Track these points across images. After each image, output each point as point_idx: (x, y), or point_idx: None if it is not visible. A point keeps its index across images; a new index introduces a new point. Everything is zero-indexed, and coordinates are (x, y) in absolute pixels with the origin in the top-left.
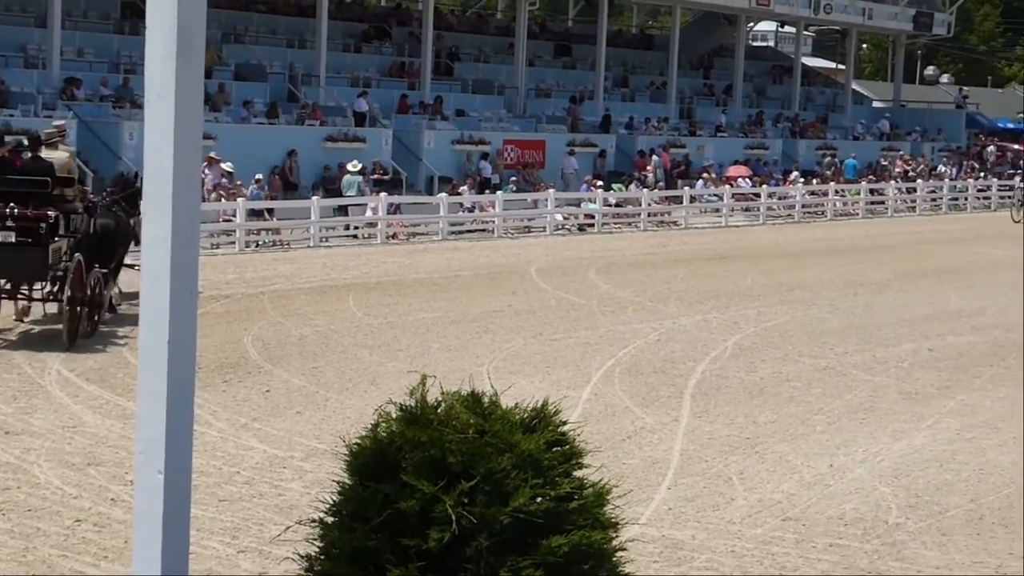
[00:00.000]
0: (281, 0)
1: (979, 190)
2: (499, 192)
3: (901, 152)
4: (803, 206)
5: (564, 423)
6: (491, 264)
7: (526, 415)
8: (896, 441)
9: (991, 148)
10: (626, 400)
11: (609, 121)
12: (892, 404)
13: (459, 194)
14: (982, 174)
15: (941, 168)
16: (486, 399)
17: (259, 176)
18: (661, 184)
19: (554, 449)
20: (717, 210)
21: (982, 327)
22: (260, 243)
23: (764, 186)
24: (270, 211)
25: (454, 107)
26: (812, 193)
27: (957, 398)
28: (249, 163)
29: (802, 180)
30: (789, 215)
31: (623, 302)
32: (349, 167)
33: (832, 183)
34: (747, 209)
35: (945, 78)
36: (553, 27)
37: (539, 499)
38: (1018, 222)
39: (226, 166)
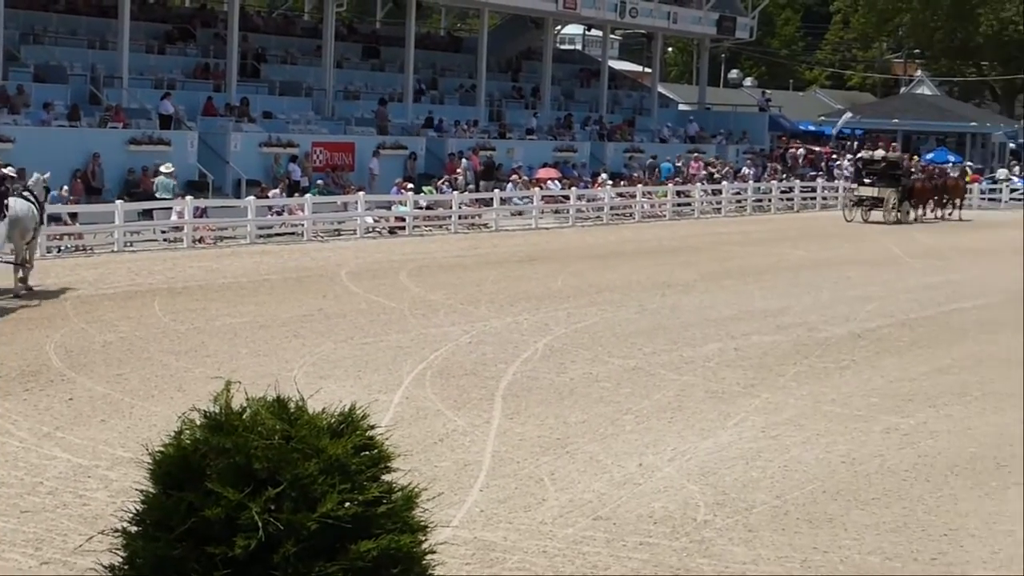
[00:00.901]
0: (81, 0)
1: (782, 192)
2: (308, 195)
3: (696, 154)
4: (611, 208)
5: (372, 427)
6: (300, 268)
7: (333, 420)
8: (703, 439)
9: (801, 151)
10: (438, 403)
11: (432, 123)
12: (699, 403)
13: (267, 197)
14: (785, 176)
15: (745, 170)
16: (292, 404)
17: (58, 188)
18: (471, 187)
19: (362, 453)
20: (521, 212)
21: (786, 326)
22: (62, 249)
23: (573, 188)
24: (72, 216)
25: (261, 109)
26: (620, 195)
27: (762, 396)
28: (49, 167)
29: (610, 182)
30: (598, 217)
31: (434, 305)
32: (163, 169)
33: (639, 185)
34: (557, 211)
35: (748, 81)
36: (361, 29)
37: (347, 504)
38: (850, 221)
39: (7, 170)
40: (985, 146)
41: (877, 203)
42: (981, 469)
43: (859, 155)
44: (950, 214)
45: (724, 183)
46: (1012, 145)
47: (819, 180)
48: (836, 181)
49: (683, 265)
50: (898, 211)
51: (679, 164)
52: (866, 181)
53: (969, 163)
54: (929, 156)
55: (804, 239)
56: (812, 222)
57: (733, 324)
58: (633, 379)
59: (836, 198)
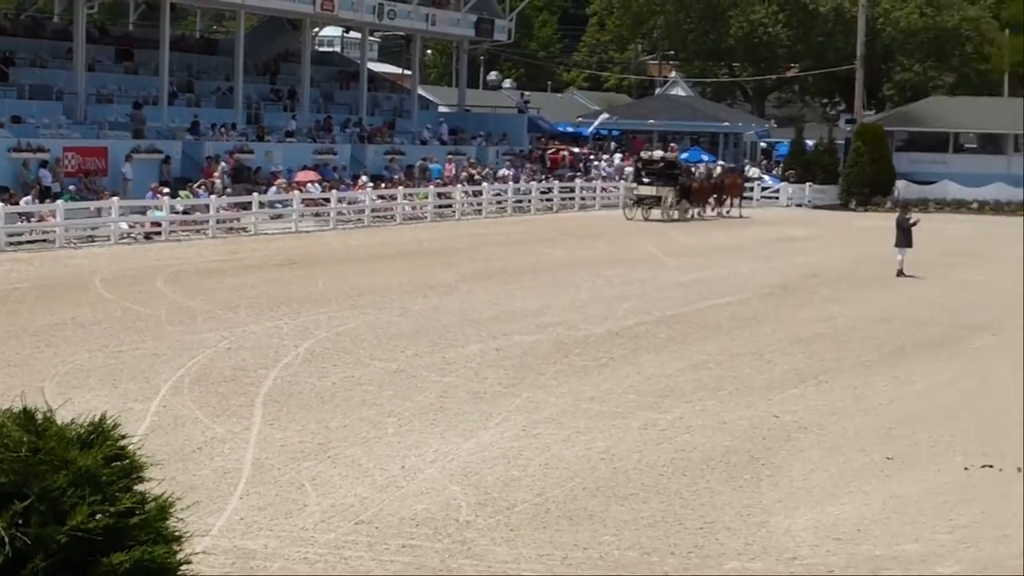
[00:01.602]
0: None
1: (542, 192)
2: (59, 201)
3: (449, 156)
4: (372, 210)
5: (124, 437)
6: (53, 275)
7: (83, 430)
8: (466, 440)
9: (564, 153)
10: (196, 411)
11: (199, 127)
12: (461, 404)
13: (17, 204)
14: (544, 176)
15: (504, 171)
16: (40, 416)
17: None
18: (229, 190)
19: (113, 464)
20: (280, 216)
21: (546, 326)
22: None
23: (334, 191)
24: None
25: (10, 113)
26: (381, 197)
27: (523, 395)
28: None
29: (371, 184)
30: (359, 220)
31: (192, 311)
32: None
33: (401, 187)
34: (317, 214)
35: (507, 83)
36: (114, 31)
37: (98, 516)
38: (631, 219)
39: None
40: (737, 145)
41: (656, 202)
42: (735, 462)
43: (639, 155)
44: (728, 211)
45: (484, 184)
46: (763, 144)
47: (577, 180)
48: (594, 181)
49: (445, 267)
50: (676, 209)
51: (430, 164)
52: (645, 181)
53: (721, 162)
54: (684, 156)
55: (563, 238)
56: (586, 222)
57: (494, 324)
58: (395, 382)
59: (594, 199)
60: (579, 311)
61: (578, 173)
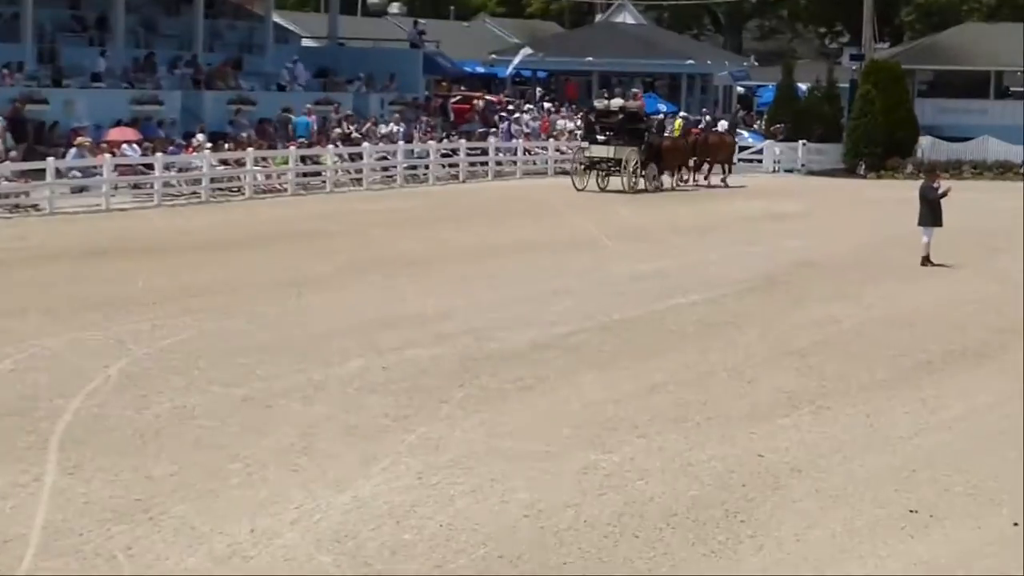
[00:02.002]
0: None
1: (443, 155)
2: None
3: (314, 106)
4: (212, 181)
5: None
6: None
7: None
8: (339, 492)
9: (478, 103)
10: None
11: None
12: (334, 443)
13: None
14: (447, 135)
15: (392, 127)
16: None
17: None
18: (13, 154)
19: None
20: (85, 189)
21: (450, 335)
22: None
23: (159, 155)
24: None
25: None
26: (225, 163)
27: (418, 431)
28: None
29: (210, 146)
30: (194, 193)
31: None
32: None
33: (251, 149)
34: (136, 186)
35: (395, 7)
36: None
37: None
38: (581, 190)
39: None
40: (706, 91)
41: (616, 166)
42: (705, 519)
43: (592, 106)
44: (713, 180)
45: (365, 145)
46: (740, 89)
47: (492, 140)
48: (514, 141)
49: (312, 256)
50: (643, 176)
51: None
52: (599, 138)
53: (684, 113)
54: None
55: (473, 217)
56: (505, 194)
57: (380, 333)
58: (244, 413)
59: (514, 164)
60: (495, 315)
61: (492, 130)
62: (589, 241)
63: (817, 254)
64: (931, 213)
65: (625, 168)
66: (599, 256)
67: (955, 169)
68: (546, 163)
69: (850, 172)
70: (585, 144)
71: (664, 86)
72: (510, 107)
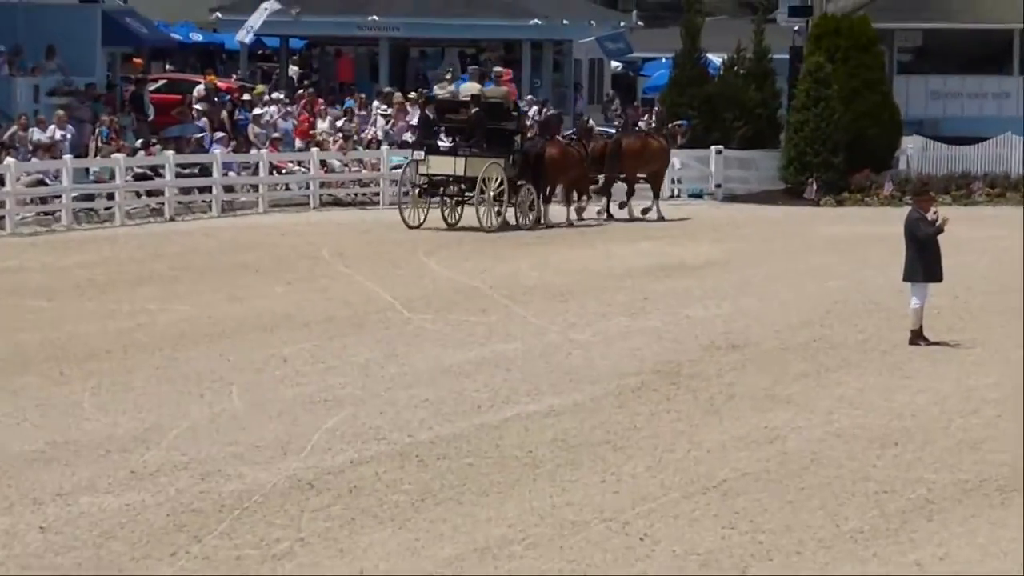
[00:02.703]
0: None
1: (138, 177)
2: None
3: None
4: None
5: None
6: None
7: None
8: None
9: (200, 88)
10: None
11: None
12: None
13: None
14: (144, 144)
15: (51, 133)
16: None
17: None
18: None
19: None
20: None
21: (151, 472)
22: None
23: None
24: None
25: None
26: None
27: None
28: None
29: None
30: None
31: None
32: None
33: None
34: None
35: None
36: None
37: None
38: (416, 226)
39: None
40: (562, 67)
41: (470, 189)
42: None
43: (432, 93)
44: (630, 210)
45: (8, 160)
46: (617, 66)
47: (217, 151)
48: (254, 152)
49: None
50: (514, 204)
51: None
52: (442, 145)
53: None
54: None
55: (192, 278)
56: (240, 236)
57: (40, 470)
58: None
59: (256, 192)
60: (226, 438)
61: (219, 135)
62: (379, 312)
63: (744, 329)
64: (923, 260)
65: (483, 192)
66: (395, 338)
67: (960, 188)
68: (306, 188)
69: (794, 195)
70: (420, 154)
71: (496, 60)
72: (246, 97)
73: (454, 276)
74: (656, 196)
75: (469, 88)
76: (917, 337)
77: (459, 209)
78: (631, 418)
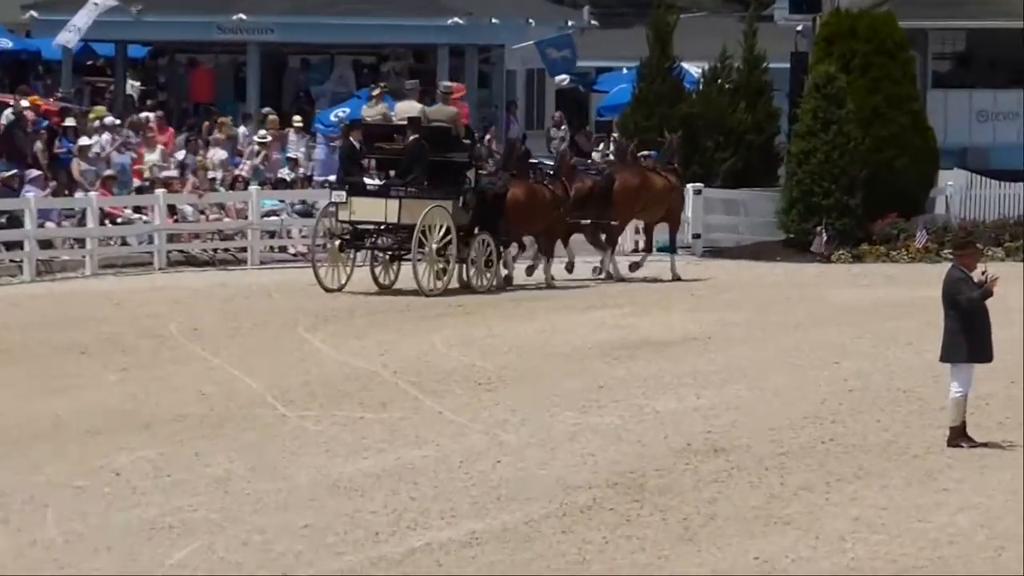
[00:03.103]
0: None
1: None
2: None
3: None
4: None
5: None
6: None
7: None
8: None
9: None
10: None
11: None
12: None
13: None
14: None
15: None
16: None
17: None
18: None
19: None
20: None
21: None
22: None
23: None
24: None
25: None
26: None
27: None
28: None
29: None
30: None
31: None
32: None
33: None
34: None
35: None
36: None
37: None
38: (336, 289)
39: None
40: (490, 82)
41: (406, 241)
42: None
43: (360, 118)
44: (634, 262)
45: None
46: (563, 79)
47: (30, 194)
48: (80, 195)
49: None
50: (464, 260)
51: None
52: (370, 183)
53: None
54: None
55: None
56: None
57: None
58: None
59: (79, 244)
60: None
61: (33, 173)
62: (244, 408)
63: (729, 427)
64: (968, 334)
65: (425, 245)
66: (266, 442)
67: (1016, 238)
68: (149, 243)
69: (797, 248)
70: (341, 196)
71: (402, 70)
72: (70, 122)
73: (345, 358)
74: (671, 247)
75: (406, 108)
76: (958, 436)
77: (395, 266)
78: (579, 547)
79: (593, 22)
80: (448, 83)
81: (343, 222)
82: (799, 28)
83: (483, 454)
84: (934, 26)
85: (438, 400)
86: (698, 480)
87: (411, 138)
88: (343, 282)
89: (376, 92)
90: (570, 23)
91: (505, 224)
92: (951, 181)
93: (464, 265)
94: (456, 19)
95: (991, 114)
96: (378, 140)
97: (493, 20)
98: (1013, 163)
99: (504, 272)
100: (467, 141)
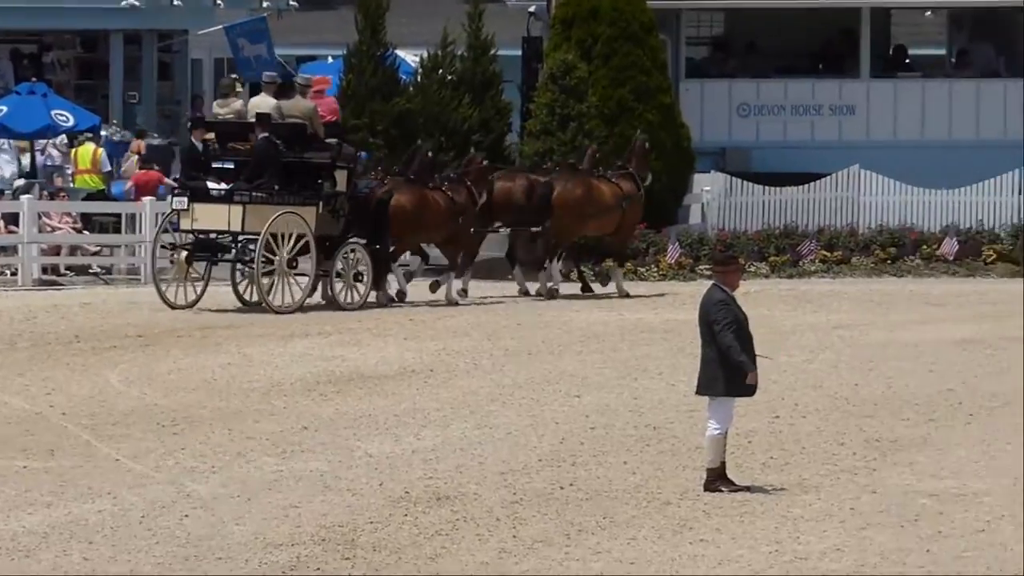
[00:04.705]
0: None
1: None
2: None
3: None
4: None
5: None
6: None
7: None
8: None
9: None
10: None
11: None
12: None
13: None
14: None
15: None
16: None
17: None
18: None
19: None
20: None
21: None
22: None
23: None
24: None
25: None
26: None
27: None
28: None
29: None
30: None
31: None
32: None
33: None
34: None
35: None
36: None
37: None
38: (181, 307)
39: None
40: (171, 74)
41: (243, 252)
42: None
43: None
44: (590, 287)
45: None
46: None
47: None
48: None
49: None
50: (329, 273)
51: None
52: (213, 187)
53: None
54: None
55: None
56: None
57: None
58: None
59: None
60: None
61: None
62: None
63: (454, 472)
64: (727, 364)
65: (275, 256)
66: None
67: (783, 251)
68: None
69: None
70: (182, 201)
71: (69, 61)
72: None
73: (5, 398)
74: (615, 265)
75: (259, 104)
76: (717, 479)
77: (249, 288)
78: None
79: (292, 3)
80: (306, 75)
81: (184, 231)
82: (532, 9)
83: (168, 507)
84: (687, 6)
85: (115, 446)
86: (418, 534)
87: (260, 136)
88: (195, 297)
89: (226, 83)
90: (265, 4)
91: (388, 234)
92: (708, 186)
93: (329, 279)
94: (131, 1)
95: (753, 108)
96: (231, 140)
97: (174, 2)
98: (778, 165)
99: (396, 288)
100: (332, 140)
